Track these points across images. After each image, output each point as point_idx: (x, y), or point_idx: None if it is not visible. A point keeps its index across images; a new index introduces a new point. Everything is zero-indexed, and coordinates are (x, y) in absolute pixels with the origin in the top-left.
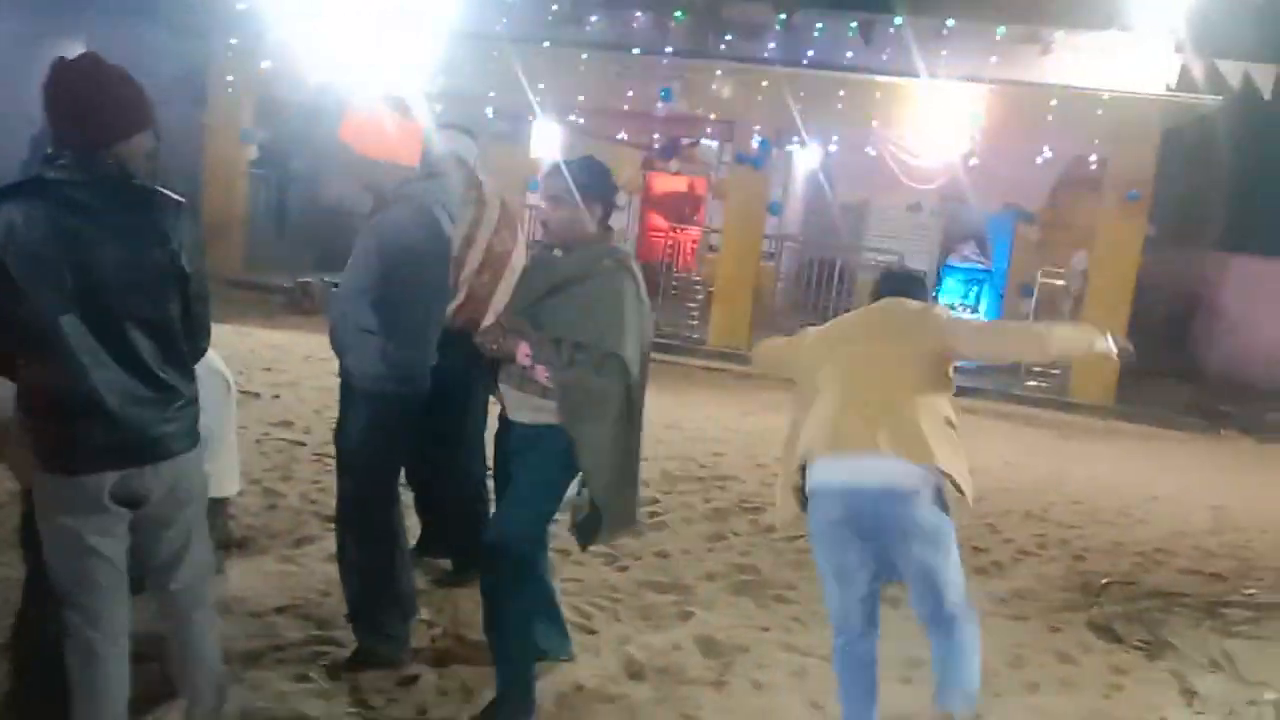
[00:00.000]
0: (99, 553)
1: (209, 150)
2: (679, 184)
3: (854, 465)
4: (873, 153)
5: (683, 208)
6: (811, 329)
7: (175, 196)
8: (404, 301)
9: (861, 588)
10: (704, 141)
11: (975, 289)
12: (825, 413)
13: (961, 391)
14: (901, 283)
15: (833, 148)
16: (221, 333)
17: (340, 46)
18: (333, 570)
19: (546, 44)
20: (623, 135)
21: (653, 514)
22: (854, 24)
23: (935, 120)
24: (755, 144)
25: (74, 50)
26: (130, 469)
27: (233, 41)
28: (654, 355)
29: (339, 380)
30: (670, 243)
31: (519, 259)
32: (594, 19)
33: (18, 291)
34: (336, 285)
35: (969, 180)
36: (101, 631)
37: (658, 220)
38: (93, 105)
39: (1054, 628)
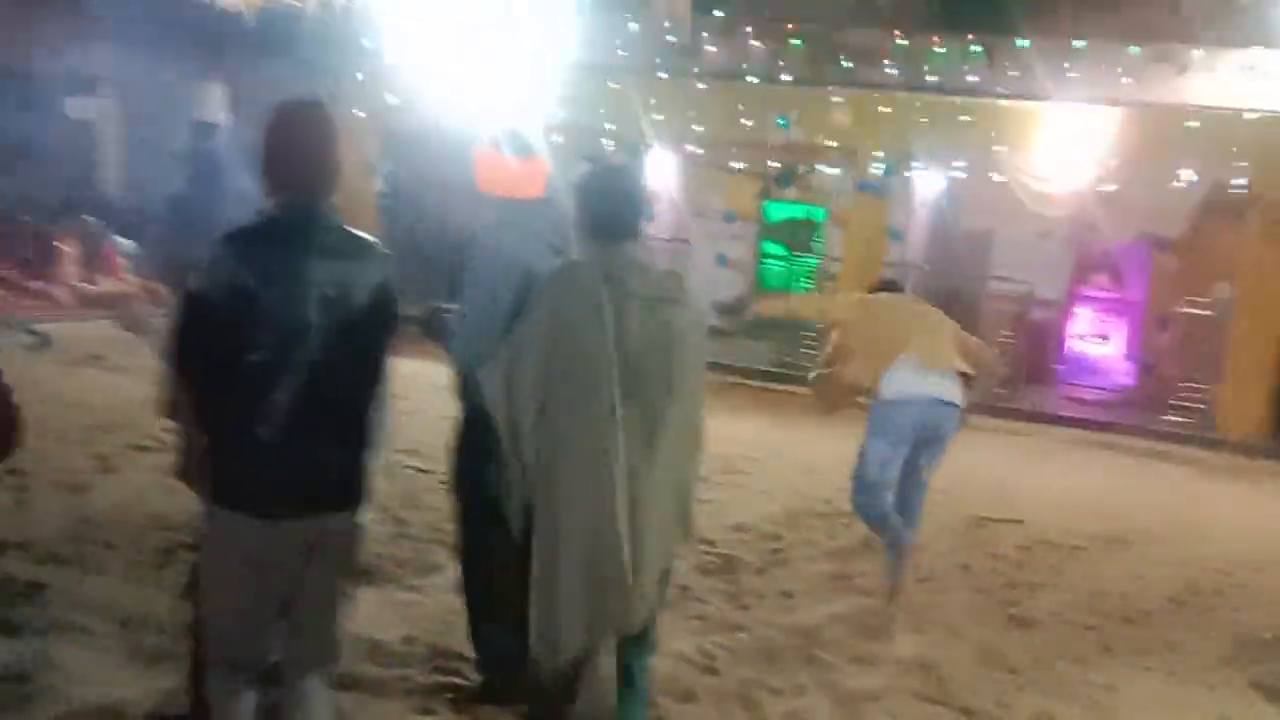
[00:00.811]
0: (269, 602)
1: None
2: (796, 211)
3: (935, 382)
4: (999, 178)
5: (801, 236)
6: (844, 293)
7: (379, 244)
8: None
9: (899, 460)
10: (822, 168)
11: (1109, 320)
12: (907, 346)
13: (1101, 425)
14: (899, 287)
15: (957, 174)
16: None
17: (461, 79)
18: (458, 601)
19: (663, 75)
20: (740, 164)
21: (775, 550)
22: (978, 47)
23: (1065, 144)
24: (876, 170)
25: (215, 92)
26: (314, 516)
27: (359, 76)
28: (769, 385)
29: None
30: (789, 271)
31: None
32: (710, 49)
33: (238, 335)
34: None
35: (1102, 207)
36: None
37: (775, 249)
38: (323, 152)
39: (1211, 686)
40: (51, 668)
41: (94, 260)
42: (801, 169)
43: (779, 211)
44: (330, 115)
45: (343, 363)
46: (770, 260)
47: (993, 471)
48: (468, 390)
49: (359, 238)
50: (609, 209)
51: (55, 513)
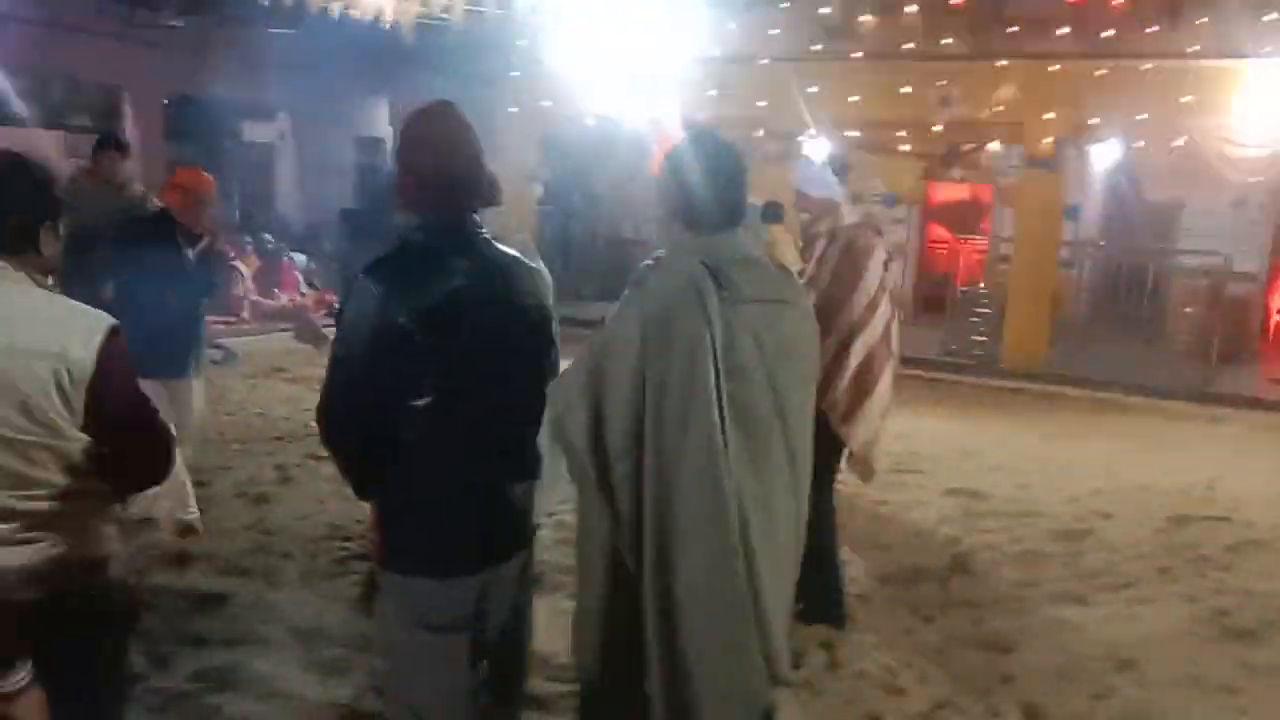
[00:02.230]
0: (458, 667)
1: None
2: (962, 192)
3: None
4: (1184, 145)
5: (967, 217)
6: None
7: (530, 262)
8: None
9: None
10: (989, 146)
11: None
12: None
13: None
14: None
15: (1139, 143)
16: None
17: (614, 80)
18: None
19: (816, 56)
20: (905, 146)
21: (954, 555)
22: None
23: (1261, 104)
24: (1048, 144)
25: (379, 108)
26: (495, 564)
27: (514, 75)
28: (943, 376)
29: None
30: (954, 255)
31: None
32: (865, 24)
33: (398, 382)
34: None
35: None
36: None
37: (940, 231)
38: (467, 157)
39: None
40: (235, 679)
41: (272, 276)
42: (966, 147)
43: (942, 193)
44: (464, 116)
45: (510, 397)
46: (935, 245)
47: (1192, 462)
48: None
49: (511, 255)
50: (712, 190)
51: (239, 524)
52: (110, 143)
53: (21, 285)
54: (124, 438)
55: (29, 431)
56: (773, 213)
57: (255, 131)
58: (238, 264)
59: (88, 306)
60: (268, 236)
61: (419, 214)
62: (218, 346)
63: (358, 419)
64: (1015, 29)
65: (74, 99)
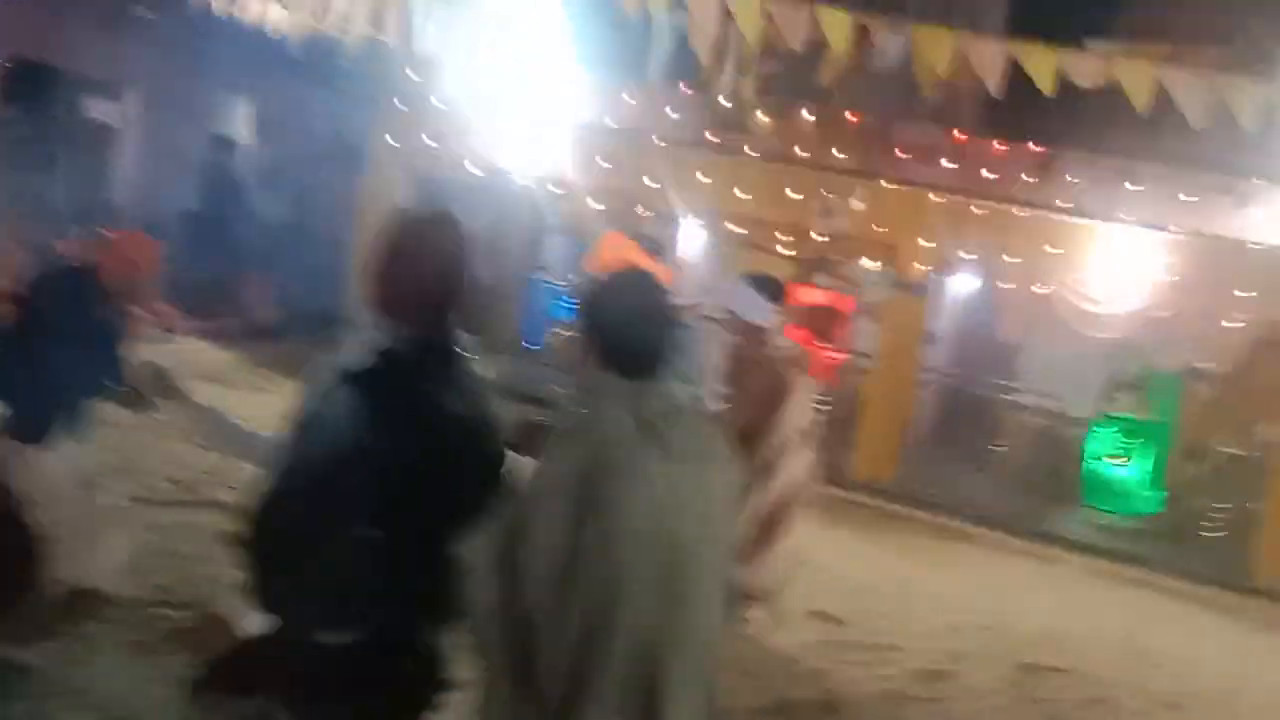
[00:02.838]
0: None
1: (362, 221)
2: (820, 298)
3: None
4: (1042, 291)
5: (824, 324)
6: None
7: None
8: None
9: None
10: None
11: (1133, 441)
12: None
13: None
14: None
15: (1009, 285)
16: None
17: (499, 131)
18: None
19: (711, 145)
20: (785, 250)
21: (824, 691)
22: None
23: (1118, 266)
24: (920, 269)
25: (238, 111)
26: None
27: (402, 107)
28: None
29: None
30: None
31: None
32: (759, 125)
33: (344, 504)
34: None
35: (1151, 333)
36: None
37: (798, 334)
38: (465, 285)
39: None
40: None
41: None
42: (835, 258)
43: (804, 296)
44: (464, 231)
45: (449, 526)
46: None
47: (1034, 604)
48: None
49: (483, 386)
50: (640, 331)
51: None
52: None
53: None
54: None
55: None
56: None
57: (97, 109)
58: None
59: None
60: (102, 232)
61: (401, 325)
62: None
63: (302, 534)
64: (901, 154)
65: None
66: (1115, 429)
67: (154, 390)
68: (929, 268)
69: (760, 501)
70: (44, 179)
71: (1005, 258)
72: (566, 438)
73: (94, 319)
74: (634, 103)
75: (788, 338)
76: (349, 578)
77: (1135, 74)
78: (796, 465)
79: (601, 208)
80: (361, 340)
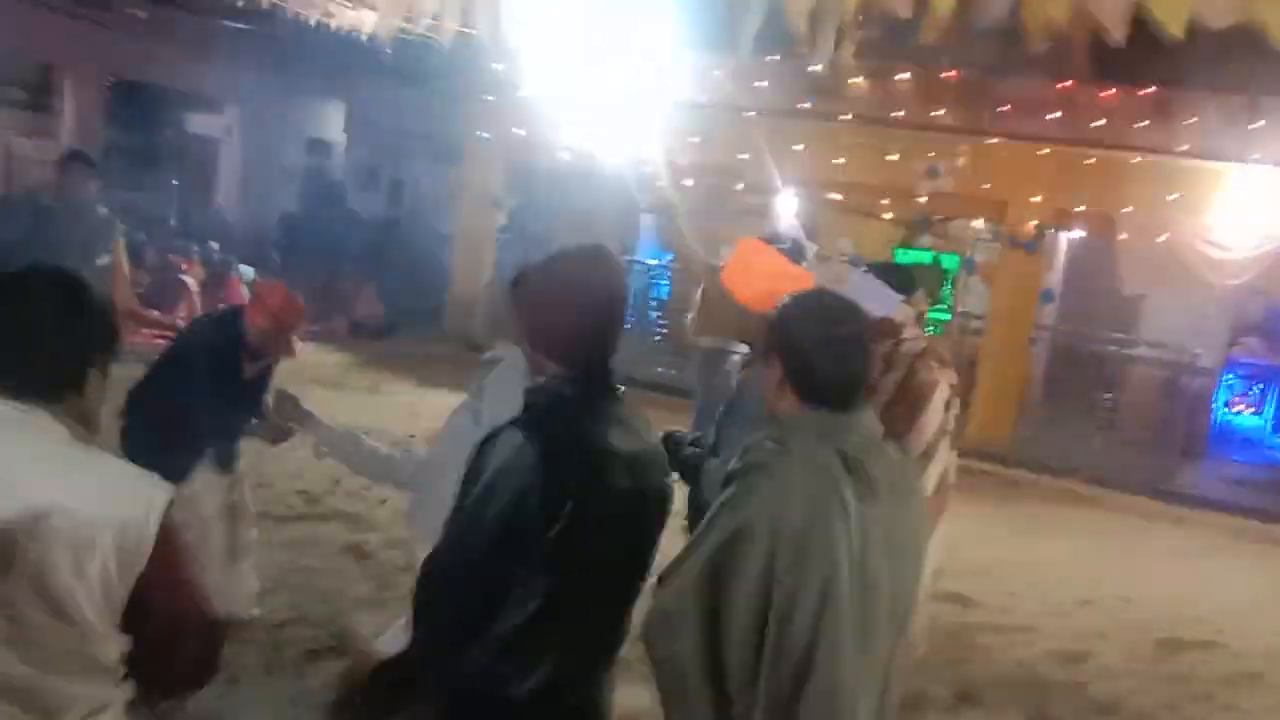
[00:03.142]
0: None
1: (460, 213)
2: (922, 257)
3: None
4: (1164, 239)
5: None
6: None
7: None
8: None
9: None
10: (965, 220)
11: (1258, 387)
12: None
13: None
14: None
15: (1122, 235)
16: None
17: (591, 114)
18: None
19: (804, 113)
20: (887, 214)
21: (960, 680)
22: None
23: (1243, 208)
24: (1030, 226)
25: (331, 111)
26: None
27: (489, 98)
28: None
29: None
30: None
31: None
32: (856, 86)
33: (527, 551)
34: None
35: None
36: None
37: None
38: (612, 307)
39: None
40: None
41: (217, 291)
42: (938, 217)
43: (903, 257)
44: (621, 264)
45: (624, 592)
46: None
47: (1168, 572)
48: None
49: (640, 420)
50: (840, 360)
51: None
52: (80, 159)
53: (59, 440)
54: (172, 634)
55: (47, 628)
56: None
57: (200, 124)
58: (185, 277)
59: (140, 468)
60: (214, 245)
61: (565, 365)
62: None
63: (478, 591)
64: (1005, 108)
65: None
66: (1243, 375)
67: (294, 418)
68: (1041, 223)
69: None
70: (153, 196)
71: (1122, 208)
72: (765, 477)
73: (240, 367)
74: (723, 77)
75: (919, 330)
76: (524, 628)
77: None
78: (933, 476)
79: (692, 183)
80: (521, 383)
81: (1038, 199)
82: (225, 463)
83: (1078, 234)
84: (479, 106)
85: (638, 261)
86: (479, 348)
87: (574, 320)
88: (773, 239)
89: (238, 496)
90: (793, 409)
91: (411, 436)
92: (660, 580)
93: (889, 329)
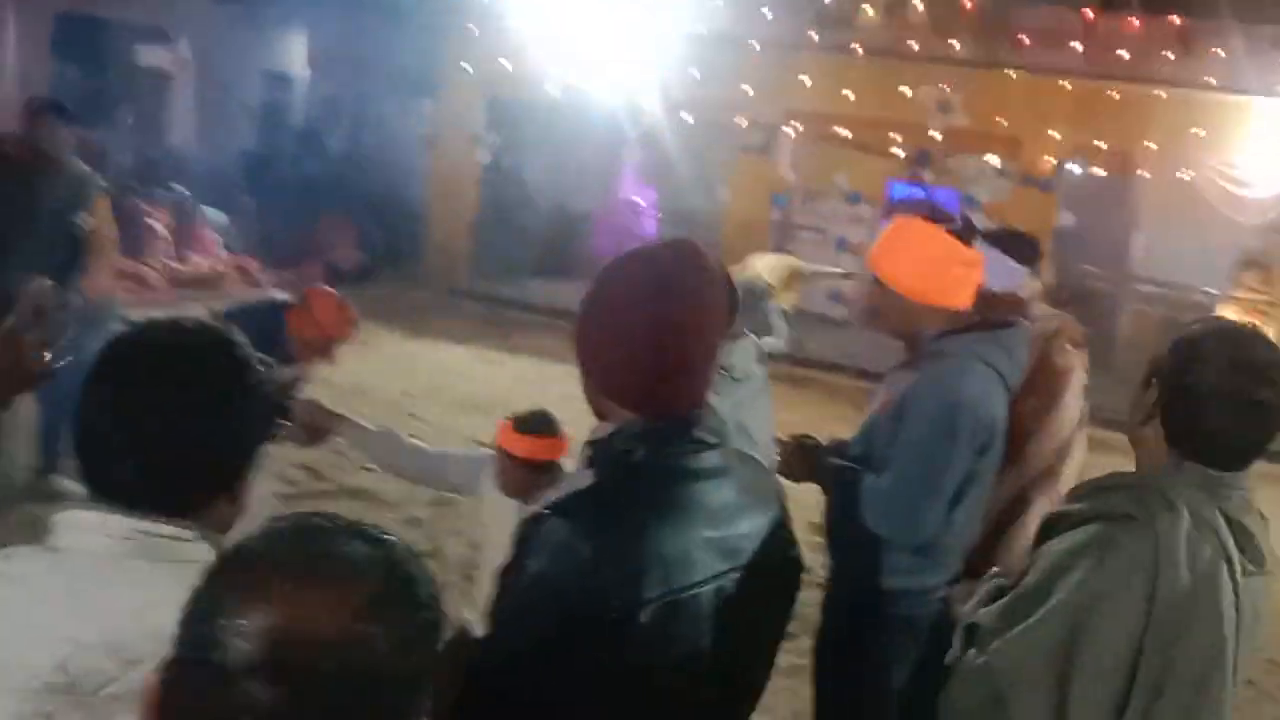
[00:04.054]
0: None
1: (438, 153)
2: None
3: None
4: (1186, 176)
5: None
6: None
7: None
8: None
9: None
10: (969, 156)
11: (1255, 322)
12: None
13: None
14: None
15: (1143, 173)
16: (466, 360)
17: (581, 46)
18: None
19: (811, 44)
20: (898, 150)
21: None
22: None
23: (1271, 145)
24: (1048, 162)
25: (292, 43)
26: None
27: (471, 27)
28: None
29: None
30: None
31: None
32: (866, 20)
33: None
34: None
35: None
36: None
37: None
38: (706, 330)
39: None
40: None
41: (184, 236)
42: (937, 152)
43: (900, 192)
44: (716, 265)
45: (739, 675)
46: None
47: None
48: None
49: (752, 463)
50: (1250, 419)
51: None
52: (49, 108)
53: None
54: None
55: None
56: None
57: (150, 57)
58: (155, 224)
59: None
60: (179, 188)
61: (635, 411)
62: (126, 321)
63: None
64: (1022, 39)
65: None
66: (1241, 311)
67: (322, 422)
68: (1058, 160)
69: (1031, 517)
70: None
71: (1144, 144)
72: (1140, 533)
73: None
74: (724, 4)
75: (1048, 306)
76: None
77: None
78: (1073, 473)
79: (691, 119)
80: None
81: (1055, 135)
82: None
83: (1097, 172)
84: (460, 36)
85: (631, 201)
86: (466, 294)
87: (645, 349)
88: (933, 215)
89: (261, 493)
90: (1162, 455)
91: (412, 397)
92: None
93: (1014, 306)
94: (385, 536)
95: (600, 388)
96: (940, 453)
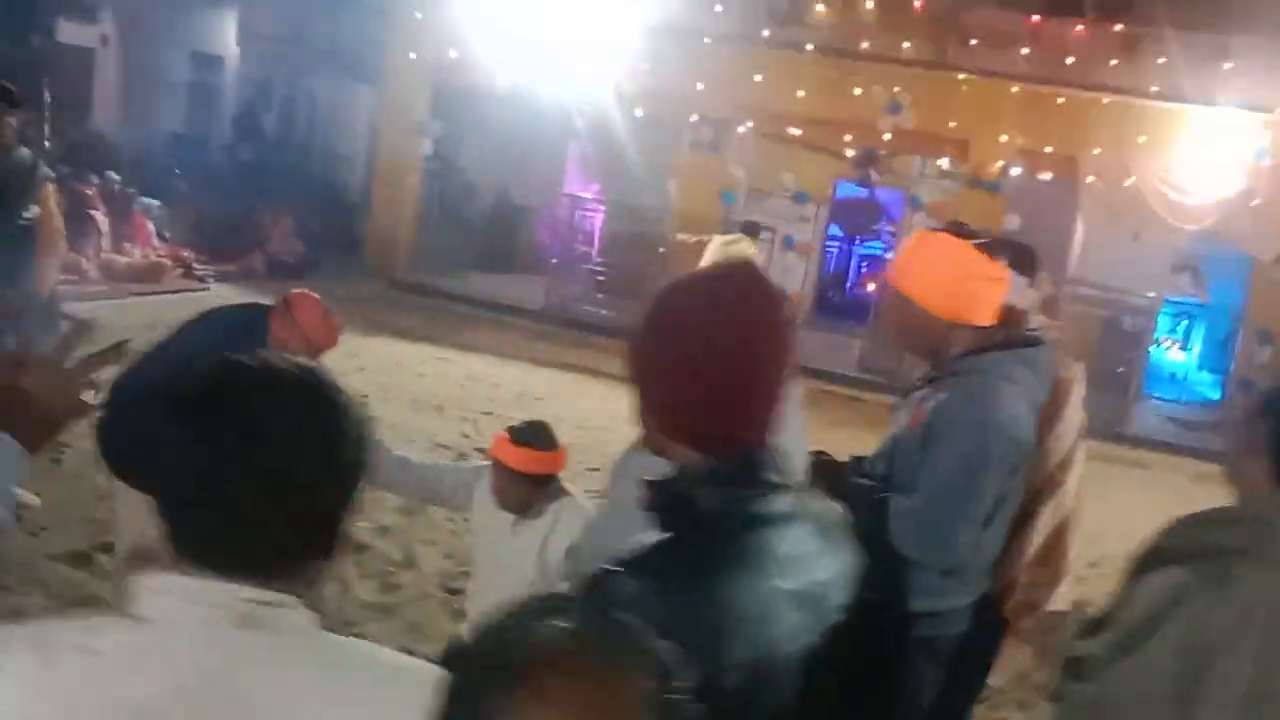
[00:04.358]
0: None
1: (381, 141)
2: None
3: None
4: (1128, 182)
5: (861, 218)
6: None
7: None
8: (954, 515)
9: None
10: (910, 156)
11: (1185, 324)
12: None
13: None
14: None
15: (1089, 177)
16: (416, 356)
17: (531, 36)
18: None
19: (764, 41)
20: (849, 150)
21: None
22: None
23: (1208, 152)
24: (996, 165)
25: (220, 21)
26: None
27: (418, 16)
28: (864, 396)
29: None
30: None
31: None
32: (819, 17)
33: None
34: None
35: (1247, 222)
36: None
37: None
38: (774, 358)
39: None
40: None
41: (121, 226)
42: (883, 152)
43: (844, 191)
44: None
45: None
46: (830, 243)
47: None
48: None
49: (814, 497)
50: None
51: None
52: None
53: (314, 641)
54: None
55: None
56: (753, 229)
57: (72, 33)
58: (96, 214)
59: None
60: (113, 175)
61: (701, 450)
62: (65, 317)
63: None
64: (973, 42)
65: None
66: (1170, 311)
67: None
68: (1005, 163)
69: (1035, 530)
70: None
71: (1089, 149)
72: (1252, 570)
73: None
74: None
75: (1046, 318)
76: None
77: None
78: (1074, 484)
79: (642, 114)
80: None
81: (1004, 138)
82: None
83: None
84: (406, 23)
85: (575, 196)
86: (409, 287)
87: (717, 383)
88: (959, 231)
89: None
90: (1268, 490)
91: (365, 397)
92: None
93: (1012, 317)
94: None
95: (662, 424)
96: (974, 476)
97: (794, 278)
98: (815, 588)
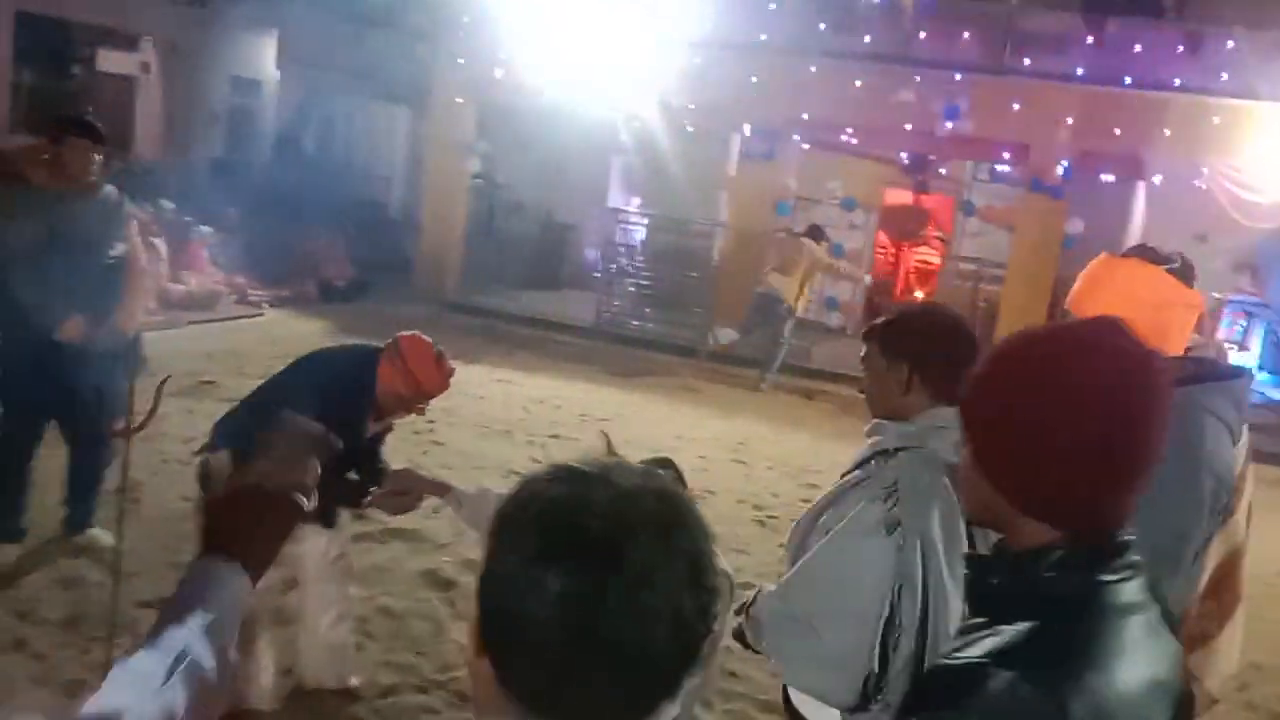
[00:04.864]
0: None
1: (431, 161)
2: (905, 198)
3: None
4: (1196, 182)
5: (908, 223)
6: None
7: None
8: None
9: None
10: (965, 162)
11: (1243, 324)
12: None
13: None
14: None
15: (1156, 177)
16: (474, 379)
17: (576, 54)
18: None
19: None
20: (904, 153)
21: None
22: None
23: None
24: (1059, 170)
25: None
26: None
27: (460, 61)
28: None
29: None
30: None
31: None
32: (871, 29)
33: None
34: None
35: None
36: None
37: (880, 237)
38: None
39: None
40: None
41: (179, 255)
42: (933, 157)
43: (893, 198)
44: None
45: None
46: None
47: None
48: None
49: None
50: None
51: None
52: (82, 129)
53: None
54: None
55: None
56: (817, 233)
57: (113, 62)
58: (157, 241)
59: None
60: (169, 204)
61: (1061, 528)
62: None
63: None
64: (1031, 44)
65: None
66: (1229, 310)
67: (414, 488)
68: (1066, 166)
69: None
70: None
71: (1153, 149)
72: None
73: (364, 423)
74: (727, 8)
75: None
76: None
77: None
78: (1245, 506)
79: (692, 129)
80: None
81: (1064, 140)
82: (328, 518)
83: (1104, 177)
84: (449, 41)
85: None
86: (460, 308)
87: (1100, 458)
88: (1143, 254)
89: (342, 552)
90: None
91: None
92: None
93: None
94: None
95: (1020, 501)
96: (1187, 522)
97: (844, 286)
98: (1169, 682)
